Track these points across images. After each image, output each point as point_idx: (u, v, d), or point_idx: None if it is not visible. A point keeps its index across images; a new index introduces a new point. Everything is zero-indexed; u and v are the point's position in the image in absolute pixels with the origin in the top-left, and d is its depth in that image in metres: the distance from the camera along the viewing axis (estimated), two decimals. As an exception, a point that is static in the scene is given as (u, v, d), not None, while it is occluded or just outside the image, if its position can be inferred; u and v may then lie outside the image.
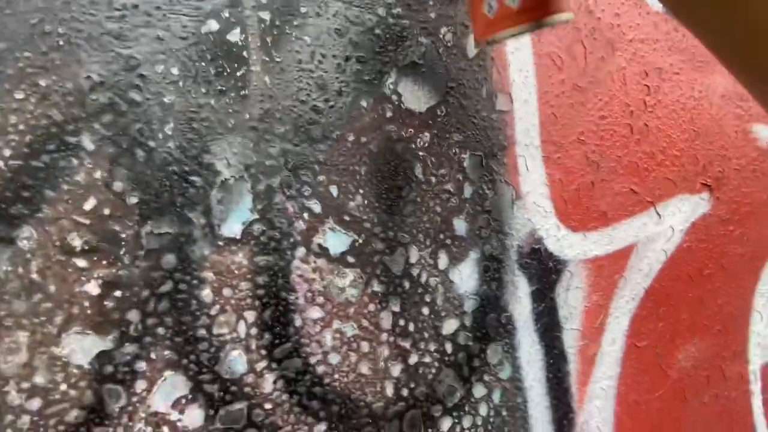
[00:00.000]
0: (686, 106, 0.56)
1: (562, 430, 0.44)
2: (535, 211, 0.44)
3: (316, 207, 0.35)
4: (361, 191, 0.37)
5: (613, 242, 0.49)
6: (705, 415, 0.55)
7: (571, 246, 0.46)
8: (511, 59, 0.43)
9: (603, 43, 0.49)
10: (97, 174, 0.29)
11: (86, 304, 0.29)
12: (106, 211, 0.30)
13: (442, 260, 0.40)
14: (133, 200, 0.30)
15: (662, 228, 0.53)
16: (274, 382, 0.33)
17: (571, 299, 0.46)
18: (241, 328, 0.32)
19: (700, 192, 0.56)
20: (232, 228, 0.32)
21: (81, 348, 0.29)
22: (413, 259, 0.39)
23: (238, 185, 0.33)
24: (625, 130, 0.50)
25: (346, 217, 0.36)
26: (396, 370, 0.37)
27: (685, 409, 0.53)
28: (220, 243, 0.32)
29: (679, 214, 0.54)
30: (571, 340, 0.45)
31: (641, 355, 0.50)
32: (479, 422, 0.40)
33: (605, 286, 0.48)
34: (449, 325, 0.40)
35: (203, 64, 0.32)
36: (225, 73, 0.32)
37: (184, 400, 0.31)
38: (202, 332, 0.31)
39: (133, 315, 0.30)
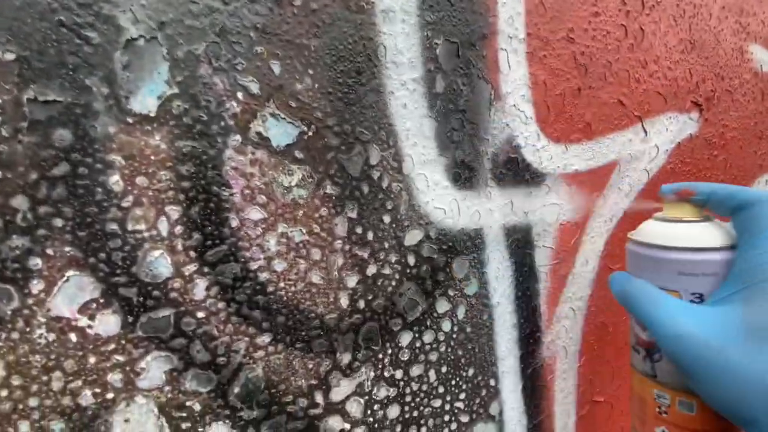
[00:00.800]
0: (685, 12, 0.50)
1: (528, 348, 0.43)
2: (514, 115, 0.39)
3: (253, 86, 0.29)
4: (310, 72, 0.31)
5: (595, 157, 0.45)
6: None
7: (550, 158, 0.42)
8: (497, -68, 0.36)
9: None
10: (-48, 16, 0.22)
11: (-47, 184, 0.23)
12: (-29, 68, 0.23)
13: (407, 164, 0.35)
14: (9, 57, 0.23)
15: (647, 146, 0.49)
16: (207, 289, 0.29)
17: (547, 216, 0.42)
18: (163, 225, 0.27)
19: (690, 111, 0.52)
20: (145, 102, 0.26)
21: (-49, 238, 0.23)
22: (374, 160, 0.34)
23: (150, 48, 0.26)
24: (618, 32, 0.45)
25: (292, 103, 0.30)
26: (352, 280, 0.34)
27: (650, 332, 0.53)
28: (129, 120, 0.26)
29: (666, 133, 0.50)
30: (543, 258, 0.43)
31: (613, 278, 0.48)
32: (441, 338, 0.38)
33: (583, 204, 0.45)
34: (412, 236, 0.36)
35: None
36: None
37: (94, 305, 0.26)
38: (113, 227, 0.26)
39: (20, 201, 0.24)
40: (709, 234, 0.29)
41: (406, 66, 0.34)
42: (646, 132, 0.48)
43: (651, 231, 0.30)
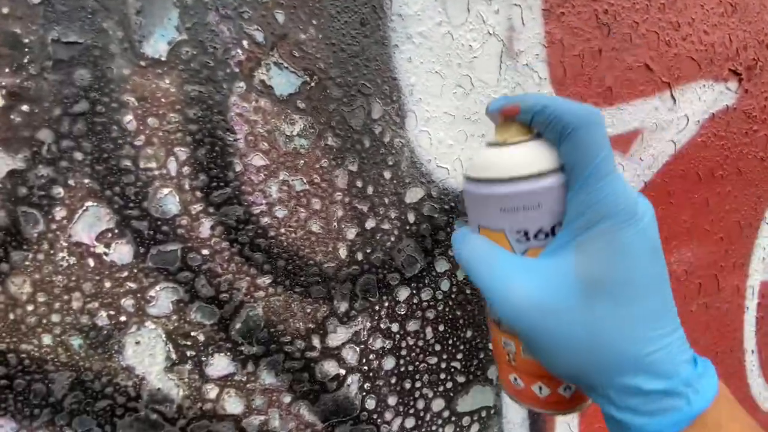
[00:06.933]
0: (730, -29, 0.46)
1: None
2: (527, 75, 0.38)
3: (258, 34, 0.30)
4: (314, 22, 0.31)
5: (616, 124, 0.43)
6: (690, 323, 0.53)
7: (564, 122, 0.40)
8: None
9: None
10: (-12, -38, 0.25)
11: (-11, 116, 0.26)
12: (5, 10, 0.25)
13: (410, 120, 0.35)
14: (35, 0, 0.26)
15: (676, 116, 0.46)
16: (212, 228, 0.31)
17: (557, 182, 0.41)
18: (172, 165, 0.29)
19: (727, 80, 0.49)
20: (156, 47, 0.28)
21: (-13, 164, 0.26)
22: (376, 115, 0.34)
23: (161, -6, 0.28)
24: (648, -10, 0.42)
25: (296, 53, 0.31)
26: (351, 232, 0.34)
27: (668, 312, 0.51)
28: (142, 63, 0.28)
29: (698, 103, 0.47)
30: (551, 225, 0.42)
31: (629, 252, 0.47)
32: (440, 296, 0.38)
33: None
34: (413, 194, 0.36)
35: None
36: None
37: (109, 234, 0.28)
38: (127, 163, 0.28)
39: (45, 134, 0.27)
40: (527, 159, 0.23)
41: (412, 19, 0.34)
42: (675, 100, 0.46)
43: (475, 162, 0.25)
